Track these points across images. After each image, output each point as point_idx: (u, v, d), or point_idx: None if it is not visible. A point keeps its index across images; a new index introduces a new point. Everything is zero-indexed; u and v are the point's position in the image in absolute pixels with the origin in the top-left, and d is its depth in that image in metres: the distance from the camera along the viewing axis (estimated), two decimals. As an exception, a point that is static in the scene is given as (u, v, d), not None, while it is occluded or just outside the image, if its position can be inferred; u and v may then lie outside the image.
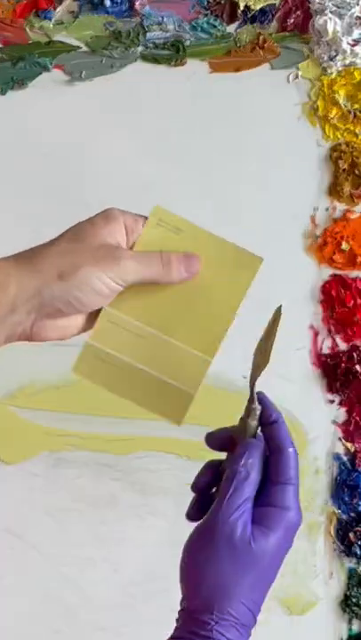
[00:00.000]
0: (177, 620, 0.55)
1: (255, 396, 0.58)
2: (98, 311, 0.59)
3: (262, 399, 0.58)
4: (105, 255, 0.56)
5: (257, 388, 0.58)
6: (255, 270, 0.59)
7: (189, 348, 0.60)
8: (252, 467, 0.55)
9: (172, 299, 0.59)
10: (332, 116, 0.90)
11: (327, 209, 0.90)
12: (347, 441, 0.88)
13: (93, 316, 0.59)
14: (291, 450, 0.56)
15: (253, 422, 0.58)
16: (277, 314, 0.58)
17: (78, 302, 0.56)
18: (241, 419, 0.58)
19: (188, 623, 0.53)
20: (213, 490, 0.58)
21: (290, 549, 0.56)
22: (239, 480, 0.55)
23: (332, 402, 0.88)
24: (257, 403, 0.58)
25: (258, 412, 0.57)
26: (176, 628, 0.54)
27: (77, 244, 0.56)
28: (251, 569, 0.53)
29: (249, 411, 0.58)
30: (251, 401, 0.58)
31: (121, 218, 0.58)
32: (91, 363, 0.60)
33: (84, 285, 0.55)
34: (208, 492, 0.59)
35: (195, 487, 0.59)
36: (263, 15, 0.92)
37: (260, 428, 0.58)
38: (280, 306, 0.58)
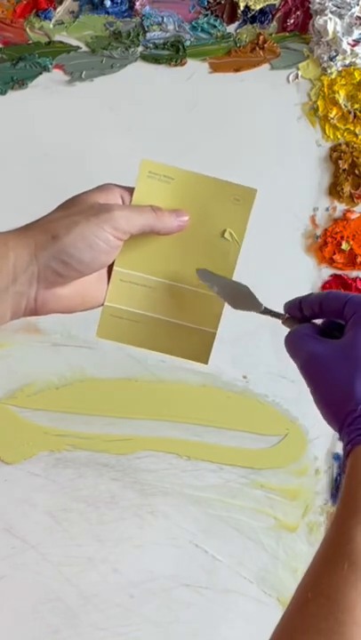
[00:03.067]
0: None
1: (282, 314, 0.59)
2: (101, 285, 0.59)
3: (297, 303, 0.59)
4: (97, 211, 0.56)
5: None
6: (252, 201, 0.60)
7: (202, 290, 0.61)
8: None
9: (175, 247, 0.60)
10: (332, 116, 0.90)
11: (327, 209, 0.90)
12: (347, 441, 0.88)
13: (97, 290, 0.60)
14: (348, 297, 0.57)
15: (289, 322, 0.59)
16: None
17: (75, 260, 0.56)
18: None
19: None
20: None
21: None
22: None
23: (332, 402, 0.88)
24: (285, 315, 0.59)
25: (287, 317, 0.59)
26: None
27: (71, 209, 0.57)
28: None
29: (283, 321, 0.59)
30: (280, 318, 0.59)
31: (117, 189, 0.59)
32: (111, 324, 0.61)
33: (79, 241, 0.55)
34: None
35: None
36: (263, 15, 0.92)
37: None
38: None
